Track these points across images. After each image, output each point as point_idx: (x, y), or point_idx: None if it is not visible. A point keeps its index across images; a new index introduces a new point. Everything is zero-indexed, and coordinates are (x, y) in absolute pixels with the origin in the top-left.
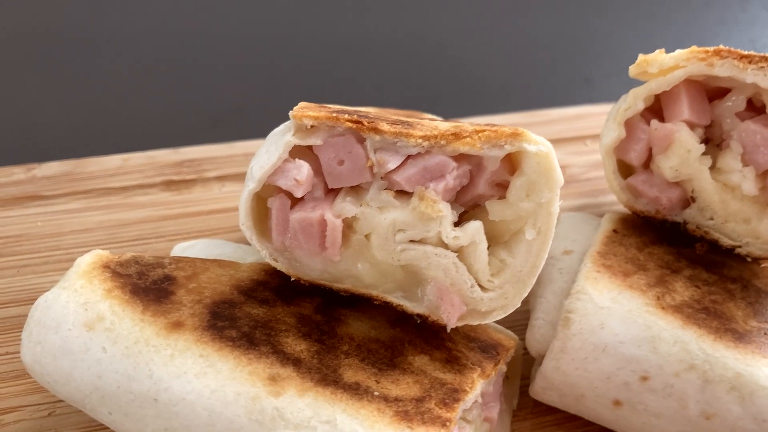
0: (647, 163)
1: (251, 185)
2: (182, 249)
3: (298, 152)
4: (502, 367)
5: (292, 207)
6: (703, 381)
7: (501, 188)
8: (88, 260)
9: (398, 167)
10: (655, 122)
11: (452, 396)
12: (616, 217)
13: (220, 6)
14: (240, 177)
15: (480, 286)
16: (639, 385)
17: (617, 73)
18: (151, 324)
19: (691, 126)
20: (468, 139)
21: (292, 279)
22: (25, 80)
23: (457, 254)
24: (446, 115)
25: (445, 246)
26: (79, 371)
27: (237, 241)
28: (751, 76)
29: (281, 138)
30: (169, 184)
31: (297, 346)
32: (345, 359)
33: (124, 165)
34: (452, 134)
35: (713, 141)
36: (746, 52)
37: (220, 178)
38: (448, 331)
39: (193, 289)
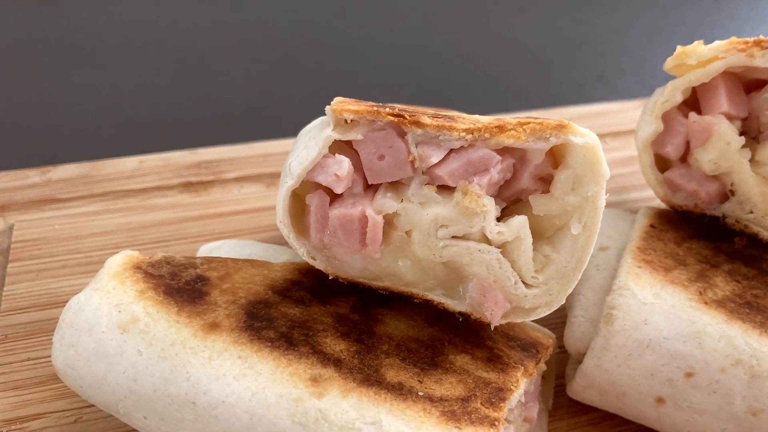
0: (684, 157)
1: (290, 182)
2: (209, 250)
3: (337, 147)
4: (542, 366)
5: (330, 203)
6: (750, 376)
7: (544, 182)
8: (118, 261)
9: (441, 161)
10: (693, 115)
11: (498, 395)
12: (651, 212)
13: (234, 7)
14: (259, 178)
15: (523, 282)
16: (683, 381)
17: (630, 71)
18: (186, 325)
19: (729, 118)
20: (513, 131)
21: (330, 277)
22: (36, 82)
23: (500, 250)
24: None
25: (488, 242)
26: (113, 374)
27: (261, 241)
28: None
29: (320, 133)
30: (188, 186)
31: (336, 346)
32: (386, 359)
33: (140, 167)
34: (496, 127)
35: (749, 134)
36: None
37: (239, 179)
38: (492, 329)
39: (227, 289)
